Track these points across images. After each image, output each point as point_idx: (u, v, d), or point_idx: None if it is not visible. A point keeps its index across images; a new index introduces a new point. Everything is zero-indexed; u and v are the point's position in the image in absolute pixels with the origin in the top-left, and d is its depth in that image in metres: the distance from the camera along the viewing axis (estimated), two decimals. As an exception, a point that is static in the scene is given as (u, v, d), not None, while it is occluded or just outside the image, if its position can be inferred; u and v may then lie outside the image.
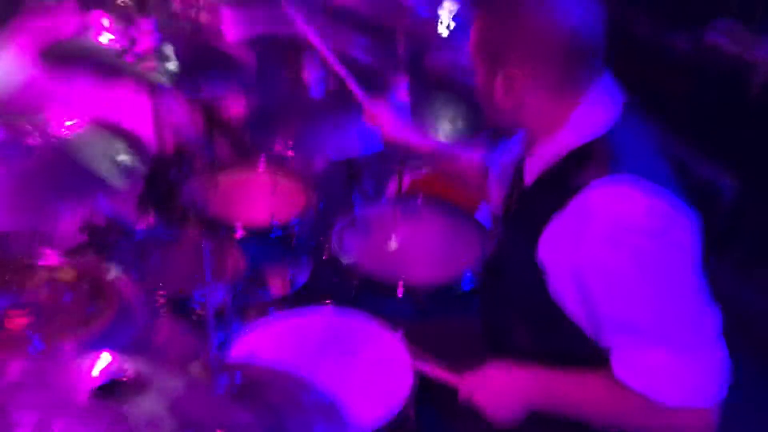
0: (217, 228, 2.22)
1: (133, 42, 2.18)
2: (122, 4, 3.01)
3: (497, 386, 1.51)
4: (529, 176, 1.52)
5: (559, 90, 1.40)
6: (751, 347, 2.60)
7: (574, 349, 1.45)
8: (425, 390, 1.66)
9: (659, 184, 1.33)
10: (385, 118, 2.01)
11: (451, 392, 1.58)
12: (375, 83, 2.55)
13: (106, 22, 2.29)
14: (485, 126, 2.54)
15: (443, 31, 2.67)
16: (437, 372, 1.63)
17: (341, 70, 2.10)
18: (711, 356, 1.36)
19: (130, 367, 1.21)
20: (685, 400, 1.35)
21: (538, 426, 1.51)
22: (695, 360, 1.34)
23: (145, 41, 2.16)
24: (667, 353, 1.33)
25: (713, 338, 1.36)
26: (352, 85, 2.08)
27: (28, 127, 1.74)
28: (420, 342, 1.75)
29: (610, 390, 1.39)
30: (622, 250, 1.30)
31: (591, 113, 1.41)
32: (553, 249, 1.39)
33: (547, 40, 1.35)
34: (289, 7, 2.19)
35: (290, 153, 2.41)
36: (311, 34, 2.14)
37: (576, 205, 1.34)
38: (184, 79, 2.22)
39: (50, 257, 1.74)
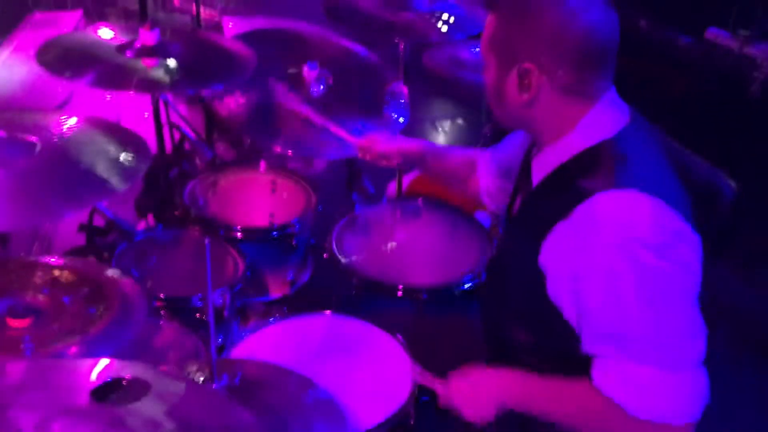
0: (217, 229, 2.22)
1: (134, 45, 2.18)
2: (124, 8, 3.03)
3: (472, 387, 1.52)
4: (536, 178, 1.51)
5: (571, 91, 1.39)
6: (751, 347, 2.60)
7: (573, 350, 1.44)
8: (425, 391, 1.66)
9: (664, 195, 1.33)
10: (377, 146, 2.03)
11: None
12: (374, 82, 2.56)
13: (107, 28, 2.30)
14: (484, 125, 2.55)
15: (442, 27, 2.66)
16: (422, 378, 1.64)
17: (326, 125, 2.14)
18: (692, 378, 1.35)
19: (130, 369, 1.21)
20: (660, 416, 1.33)
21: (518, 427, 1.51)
22: (677, 379, 1.33)
23: (145, 41, 2.16)
24: (651, 369, 1.32)
25: (698, 359, 1.35)
26: (339, 132, 2.12)
27: (28, 128, 1.74)
28: (419, 343, 1.75)
29: (586, 398, 1.37)
30: (622, 264, 1.30)
31: (600, 118, 1.41)
32: (555, 254, 1.39)
33: (564, 40, 1.35)
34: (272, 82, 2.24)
35: (290, 153, 2.41)
36: (293, 102, 2.19)
37: (581, 212, 1.34)
38: (184, 79, 2.22)
39: (50, 258, 1.74)
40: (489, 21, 1.45)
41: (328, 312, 1.91)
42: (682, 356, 1.34)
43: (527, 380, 1.47)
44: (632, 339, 1.32)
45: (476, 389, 1.52)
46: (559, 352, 1.48)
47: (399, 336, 1.82)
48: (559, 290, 1.40)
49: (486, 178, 1.84)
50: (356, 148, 2.09)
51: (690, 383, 1.34)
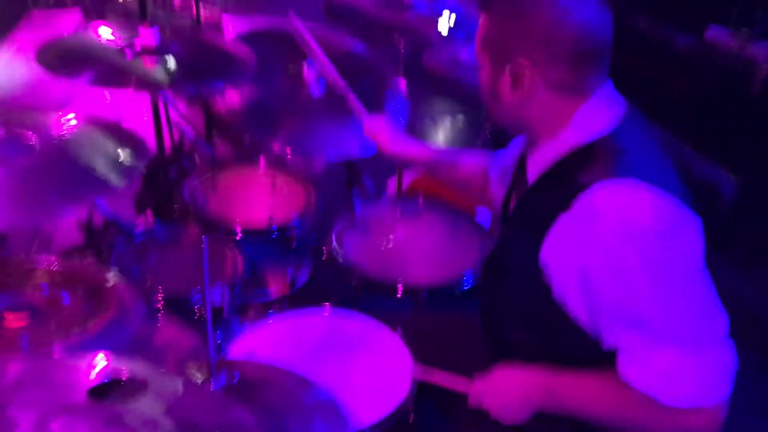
0: (217, 228, 2.22)
1: (133, 44, 2.18)
2: (124, 7, 3.02)
3: (504, 390, 1.52)
4: (532, 175, 1.51)
5: (565, 88, 1.40)
6: (751, 345, 2.59)
7: (573, 349, 1.45)
8: (425, 389, 1.66)
9: (663, 185, 1.33)
10: (382, 132, 2.01)
11: (451, 392, 1.58)
12: (374, 81, 2.55)
13: (107, 27, 2.29)
14: (485, 125, 2.54)
15: (443, 29, 2.66)
16: (444, 380, 1.63)
17: (341, 85, 2.11)
18: (717, 356, 1.36)
19: (129, 367, 1.21)
20: (691, 400, 1.35)
21: (543, 426, 1.51)
22: (702, 360, 1.34)
23: (146, 44, 2.16)
24: (675, 354, 1.33)
25: (720, 338, 1.36)
26: (351, 100, 2.09)
27: (28, 127, 1.74)
28: (420, 342, 1.75)
29: (615, 391, 1.39)
30: (629, 251, 1.30)
31: (595, 113, 1.41)
32: (557, 250, 1.38)
33: (555, 37, 1.35)
34: (294, 23, 2.19)
35: (290, 153, 2.41)
36: (315, 50, 2.15)
37: (581, 206, 1.34)
38: (183, 79, 2.22)
39: (49, 258, 1.74)
40: (482, 21, 1.45)
41: (327, 305, 1.91)
42: (702, 337, 1.35)
43: (556, 380, 1.47)
44: (649, 325, 1.33)
45: (505, 391, 1.52)
46: (559, 351, 1.48)
47: (399, 332, 1.82)
48: (565, 288, 1.40)
49: (494, 186, 1.84)
50: (364, 127, 2.07)
51: (715, 363, 1.35)
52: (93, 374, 1.19)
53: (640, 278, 1.31)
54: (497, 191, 1.81)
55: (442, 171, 2.02)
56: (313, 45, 2.16)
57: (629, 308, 1.33)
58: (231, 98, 2.50)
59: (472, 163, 1.93)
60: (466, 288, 2.04)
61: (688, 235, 1.34)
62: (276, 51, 2.52)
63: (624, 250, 1.30)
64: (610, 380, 1.39)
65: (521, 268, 1.47)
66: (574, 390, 1.45)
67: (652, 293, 1.31)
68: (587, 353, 1.42)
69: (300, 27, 2.17)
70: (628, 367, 1.37)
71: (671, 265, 1.32)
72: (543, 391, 1.48)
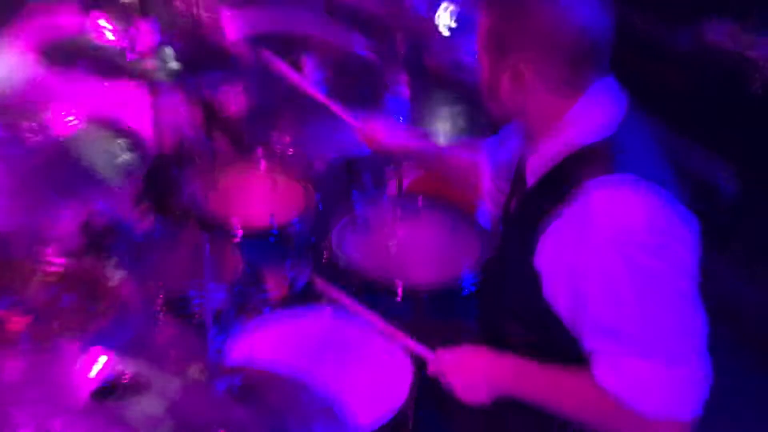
0: (217, 228, 2.22)
1: (133, 41, 2.18)
2: (124, 3, 3.01)
3: (467, 367, 1.53)
4: (531, 177, 1.51)
5: (565, 86, 1.40)
6: (750, 343, 2.60)
7: (569, 350, 1.45)
8: (425, 390, 1.66)
9: (660, 183, 1.33)
10: (377, 133, 2.03)
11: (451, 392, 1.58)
12: (375, 81, 2.56)
13: (106, 23, 2.29)
14: (484, 123, 2.54)
15: (443, 29, 2.66)
16: (410, 343, 1.63)
17: (327, 101, 2.14)
18: (693, 370, 1.35)
19: (129, 367, 1.21)
20: (662, 411, 1.34)
21: (514, 413, 1.52)
22: (677, 373, 1.33)
23: (146, 40, 2.16)
24: (651, 364, 1.33)
25: (698, 352, 1.35)
26: (339, 111, 2.11)
27: (29, 126, 1.74)
28: (420, 342, 1.75)
29: (587, 390, 1.38)
30: (618, 257, 1.30)
31: (595, 113, 1.41)
32: (550, 251, 1.39)
33: (555, 36, 1.35)
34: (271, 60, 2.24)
35: (290, 152, 2.41)
36: (293, 74, 2.18)
37: (576, 208, 1.34)
38: (184, 78, 2.22)
39: (50, 258, 1.74)
40: (483, 19, 1.45)
41: (327, 307, 1.91)
42: (680, 350, 1.34)
43: (525, 367, 1.47)
44: (630, 334, 1.33)
45: (469, 369, 1.52)
46: (555, 349, 1.48)
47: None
48: (554, 288, 1.40)
49: (485, 179, 1.84)
50: (358, 133, 2.09)
51: (690, 377, 1.35)
52: (94, 374, 1.19)
53: (624, 286, 1.31)
54: (491, 187, 1.81)
55: (434, 164, 2.03)
56: (292, 74, 2.20)
57: (610, 316, 1.33)
58: (232, 98, 2.50)
59: (463, 158, 1.94)
60: (466, 288, 2.04)
61: (681, 242, 1.33)
62: (277, 51, 2.52)
63: (612, 256, 1.30)
64: (582, 378, 1.38)
65: (517, 270, 1.48)
66: (544, 381, 1.45)
67: (635, 302, 1.31)
68: (582, 355, 1.41)
69: (277, 61, 2.21)
70: (603, 370, 1.37)
71: (659, 274, 1.31)
72: (509, 377, 1.48)
